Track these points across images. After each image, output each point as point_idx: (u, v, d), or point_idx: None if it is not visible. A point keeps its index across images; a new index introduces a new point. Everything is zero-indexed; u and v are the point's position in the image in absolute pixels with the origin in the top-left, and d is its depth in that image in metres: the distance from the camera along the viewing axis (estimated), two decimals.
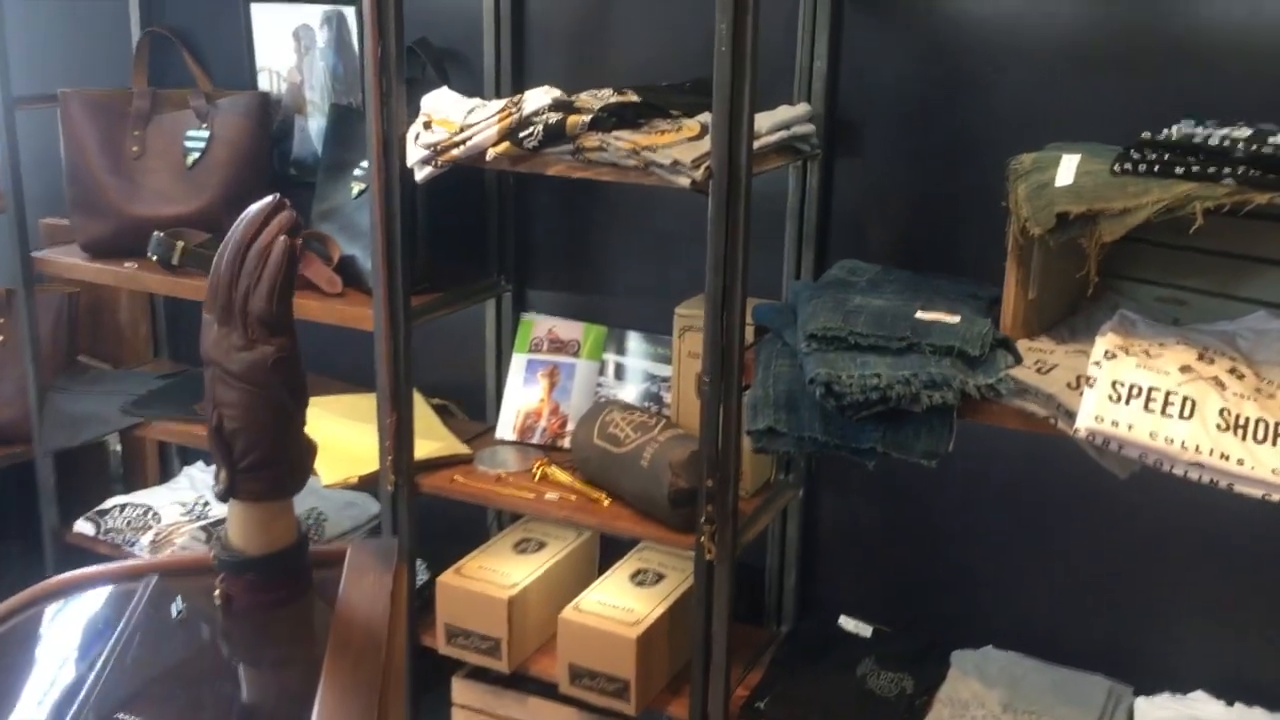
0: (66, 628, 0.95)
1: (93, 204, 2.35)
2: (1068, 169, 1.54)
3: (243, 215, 0.94)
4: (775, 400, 1.66)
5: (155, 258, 2.25)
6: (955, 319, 1.61)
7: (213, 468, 2.65)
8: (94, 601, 0.97)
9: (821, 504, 2.18)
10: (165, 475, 2.75)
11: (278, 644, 0.92)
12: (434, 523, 2.16)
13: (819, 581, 2.20)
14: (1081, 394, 1.48)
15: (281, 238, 0.91)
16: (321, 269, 2.14)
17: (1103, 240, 1.47)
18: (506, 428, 2.26)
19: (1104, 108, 1.81)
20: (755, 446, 1.68)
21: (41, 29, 2.72)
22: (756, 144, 1.71)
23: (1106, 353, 1.50)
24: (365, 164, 2.16)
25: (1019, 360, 1.58)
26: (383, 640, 0.84)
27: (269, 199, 0.94)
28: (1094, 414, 1.44)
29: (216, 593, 0.92)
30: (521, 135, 1.80)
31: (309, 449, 0.96)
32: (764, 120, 1.80)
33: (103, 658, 0.88)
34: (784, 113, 1.89)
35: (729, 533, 1.77)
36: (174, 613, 0.93)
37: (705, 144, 1.70)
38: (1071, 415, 1.48)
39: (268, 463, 0.92)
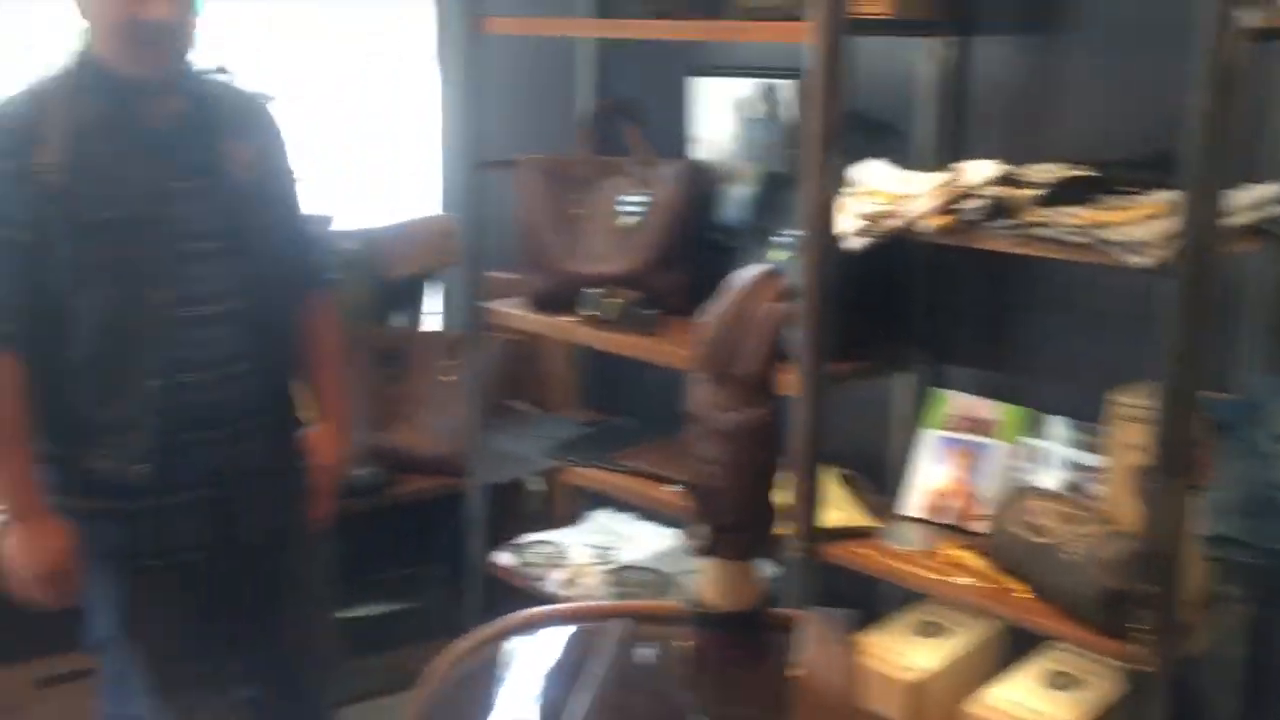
0: (534, 663, 1.01)
1: (538, 261, 2.55)
2: None
3: (737, 279, 0.97)
4: (1236, 505, 1.52)
5: (590, 313, 2.40)
6: None
7: (620, 515, 2.80)
8: (561, 639, 1.03)
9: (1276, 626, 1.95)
10: (576, 518, 2.90)
11: (747, 703, 0.94)
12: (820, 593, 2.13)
13: (1266, 713, 1.97)
14: None
15: (776, 304, 0.93)
16: None
17: None
18: (913, 504, 2.20)
19: None
20: (1210, 555, 1.54)
21: (503, 98, 2.99)
22: (1227, 224, 1.58)
23: None
24: (790, 231, 2.21)
25: None
26: (852, 713, 0.83)
27: (762, 267, 0.97)
28: None
29: (686, 644, 0.95)
30: (962, 209, 1.77)
31: (777, 514, 0.98)
32: (1233, 199, 1.66)
33: (577, 696, 0.92)
34: (1254, 192, 1.73)
35: (1169, 644, 1.62)
36: (644, 658, 0.96)
37: (1167, 223, 1.59)
38: None
39: (746, 523, 0.94)
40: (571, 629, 1.04)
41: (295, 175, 1.98)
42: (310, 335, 2.00)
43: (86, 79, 1.76)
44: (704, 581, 0.96)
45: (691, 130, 2.58)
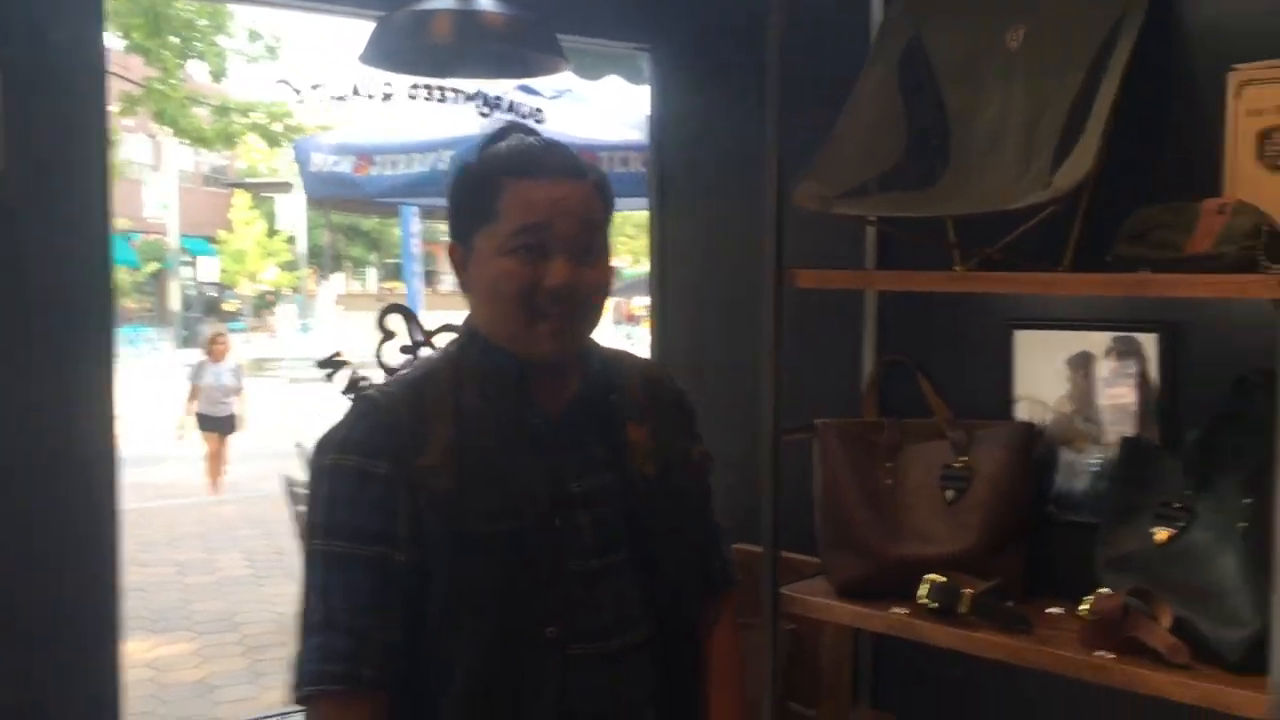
0: None
1: (846, 541, 2.20)
2: None
3: None
4: None
5: (934, 604, 2.04)
6: None
7: None
8: None
9: None
10: None
11: None
12: None
13: None
14: None
15: None
16: (1158, 632, 1.83)
17: None
18: None
19: None
20: None
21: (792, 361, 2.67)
22: None
23: None
24: (1175, 506, 1.92)
25: None
26: None
27: None
28: None
29: None
30: None
31: None
32: None
33: None
34: None
35: None
36: None
37: None
38: None
39: None
40: None
41: (704, 457, 1.64)
42: (711, 655, 1.61)
43: (472, 363, 1.46)
44: None
45: (1014, 389, 2.29)
